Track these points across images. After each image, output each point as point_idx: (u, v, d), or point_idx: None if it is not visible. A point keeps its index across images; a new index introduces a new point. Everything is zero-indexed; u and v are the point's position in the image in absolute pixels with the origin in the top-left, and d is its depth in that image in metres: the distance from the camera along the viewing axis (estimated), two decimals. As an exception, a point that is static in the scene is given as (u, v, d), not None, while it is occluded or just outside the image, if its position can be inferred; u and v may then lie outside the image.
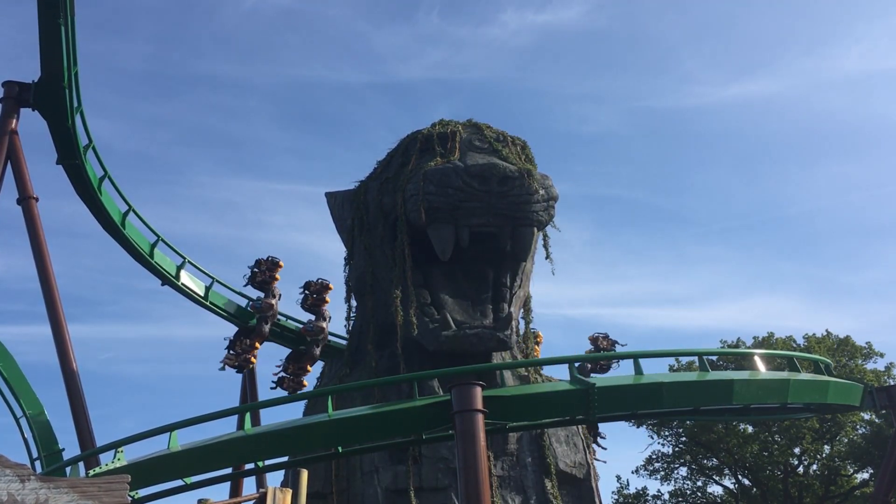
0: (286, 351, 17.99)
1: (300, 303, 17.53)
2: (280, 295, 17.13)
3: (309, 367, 17.86)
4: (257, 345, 17.08)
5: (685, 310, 47.46)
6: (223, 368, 16.53)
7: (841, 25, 48.81)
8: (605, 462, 15.83)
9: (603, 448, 15.49)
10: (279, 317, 17.53)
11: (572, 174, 49.78)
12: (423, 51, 51.57)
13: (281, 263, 17.13)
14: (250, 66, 48.92)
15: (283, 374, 17.50)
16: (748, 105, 49.50)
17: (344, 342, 18.49)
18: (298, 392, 16.80)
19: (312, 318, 17.61)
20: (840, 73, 47.78)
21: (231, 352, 16.81)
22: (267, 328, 16.82)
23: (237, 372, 17.24)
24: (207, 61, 48.82)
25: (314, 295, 17.54)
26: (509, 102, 50.92)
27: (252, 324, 17.08)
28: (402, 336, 10.81)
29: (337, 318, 18.48)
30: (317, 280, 17.74)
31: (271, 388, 17.50)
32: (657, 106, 51.35)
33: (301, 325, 17.64)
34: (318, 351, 17.70)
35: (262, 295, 17.12)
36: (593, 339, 16.71)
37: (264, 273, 16.89)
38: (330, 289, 17.74)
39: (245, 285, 17.09)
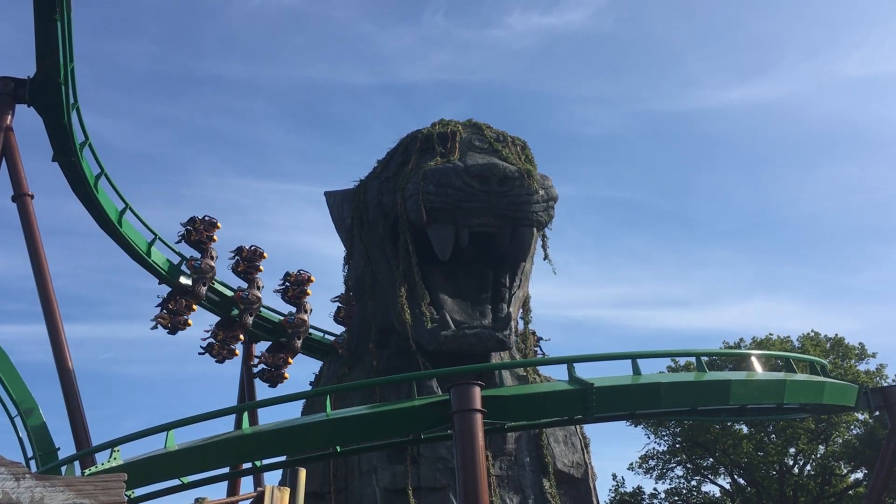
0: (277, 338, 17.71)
1: (280, 294, 17.41)
2: (217, 257, 16.39)
3: (290, 360, 17.71)
4: (193, 307, 16.23)
5: (686, 311, 47.56)
6: (155, 327, 15.68)
7: (843, 30, 49.05)
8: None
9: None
10: (215, 280, 16.68)
11: (576, 176, 49.82)
12: (429, 52, 51.41)
13: (219, 224, 16.46)
14: (255, 67, 48.69)
15: (163, 310, 16.36)
16: (751, 108, 49.62)
17: (322, 335, 18.50)
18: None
19: (293, 309, 17.51)
20: (841, 77, 47.93)
21: (163, 310, 15.95)
22: (204, 289, 16.06)
23: (169, 333, 16.15)
24: (212, 62, 48.55)
25: (295, 287, 17.42)
26: (514, 104, 50.90)
27: (186, 284, 16.10)
28: (412, 335, 10.77)
29: (318, 311, 18.33)
30: (298, 272, 17.62)
31: (207, 360, 17.08)
32: (661, 108, 51.43)
33: (283, 316, 17.45)
34: (299, 343, 17.58)
35: (197, 254, 16.26)
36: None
37: (201, 232, 16.14)
38: (311, 281, 17.65)
39: (177, 242, 16.21)
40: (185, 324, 16.06)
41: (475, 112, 53.10)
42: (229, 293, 17.13)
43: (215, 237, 16.76)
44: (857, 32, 48.19)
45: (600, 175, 52.95)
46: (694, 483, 25.04)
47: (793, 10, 50.12)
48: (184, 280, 16.27)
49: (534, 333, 16.40)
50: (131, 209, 16.26)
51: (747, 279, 48.44)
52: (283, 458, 9.25)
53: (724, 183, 51.88)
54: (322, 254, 43.09)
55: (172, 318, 15.95)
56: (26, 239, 14.37)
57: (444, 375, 9.33)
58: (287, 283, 17.48)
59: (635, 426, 24.52)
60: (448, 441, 8.82)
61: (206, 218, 16.68)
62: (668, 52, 51.78)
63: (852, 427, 22.90)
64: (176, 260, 16.62)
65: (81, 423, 13.26)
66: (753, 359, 10.91)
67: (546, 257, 12.10)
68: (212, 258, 16.48)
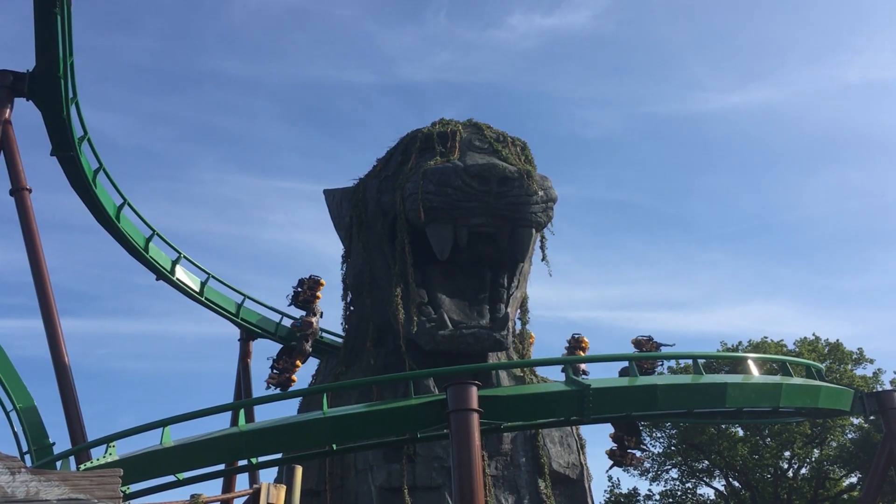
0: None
1: (290, 299, 17.70)
2: (322, 313, 17.43)
3: (299, 363, 17.97)
4: (298, 363, 17.27)
5: (684, 314, 47.55)
6: (269, 387, 16.86)
7: (844, 36, 49.21)
8: (636, 468, 15.50)
9: (643, 449, 15.43)
10: (322, 334, 17.83)
11: (576, 177, 49.81)
12: (431, 52, 51.37)
13: (323, 282, 17.38)
14: (257, 64, 48.63)
15: (273, 370, 17.56)
16: (752, 111, 49.71)
17: (334, 338, 18.70)
18: (290, 389, 16.85)
19: (303, 313, 17.77)
20: (842, 83, 48.07)
21: (274, 370, 17.06)
22: (309, 346, 17.11)
23: (281, 390, 17.27)
24: (213, 58, 48.44)
25: (307, 291, 17.70)
26: (515, 105, 50.90)
27: (294, 343, 17.37)
28: (406, 333, 10.78)
29: (329, 315, 18.70)
30: (309, 276, 17.93)
31: (265, 389, 17.64)
32: (662, 111, 51.48)
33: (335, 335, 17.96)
34: (308, 346, 17.86)
35: (304, 314, 17.38)
36: (636, 343, 15.82)
37: (307, 292, 17.19)
38: (322, 285, 17.95)
39: (289, 305, 17.50)
40: (291, 380, 16.87)
41: (476, 112, 53.05)
42: (338, 343, 17.82)
43: (319, 294, 17.42)
44: (857, 38, 48.44)
45: (600, 176, 53.08)
46: (689, 485, 25.10)
47: (794, 15, 50.34)
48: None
49: (650, 339, 15.82)
50: (130, 205, 16.22)
51: (746, 282, 48.55)
52: (278, 456, 9.25)
53: (723, 186, 52.04)
54: (321, 252, 43.16)
55: (280, 375, 16.81)
56: (24, 233, 14.33)
57: (440, 375, 9.34)
58: (299, 289, 18.00)
59: (631, 427, 24.49)
60: (444, 440, 8.83)
61: (311, 277, 17.65)
62: (670, 54, 51.94)
63: (847, 431, 22.95)
64: (275, 317, 18.07)
65: (77, 419, 13.23)
66: (750, 362, 10.93)
67: (544, 258, 12.11)
68: (314, 314, 17.29)
